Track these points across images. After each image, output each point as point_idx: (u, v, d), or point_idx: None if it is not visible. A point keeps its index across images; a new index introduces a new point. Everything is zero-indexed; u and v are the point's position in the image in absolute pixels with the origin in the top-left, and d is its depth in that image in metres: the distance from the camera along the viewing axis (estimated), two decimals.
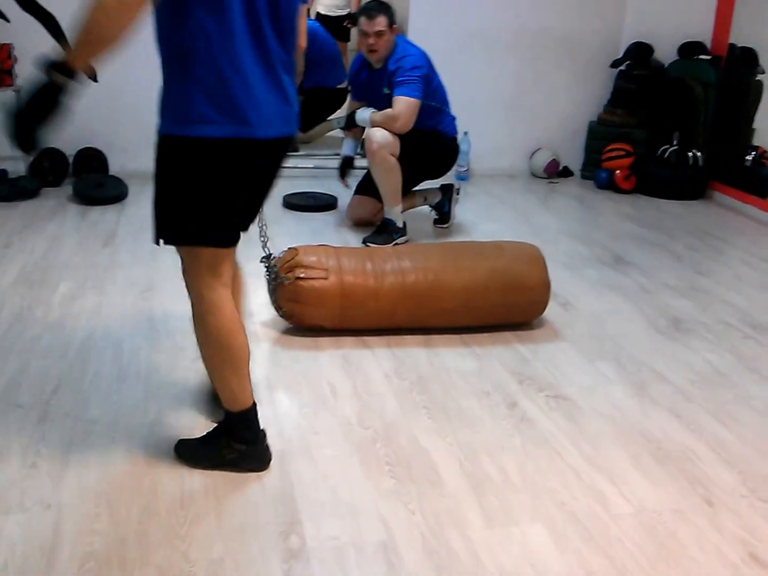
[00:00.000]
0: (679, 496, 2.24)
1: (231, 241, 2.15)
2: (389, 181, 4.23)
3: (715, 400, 2.79)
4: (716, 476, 2.35)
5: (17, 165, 5.03)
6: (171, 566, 1.86)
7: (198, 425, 2.44)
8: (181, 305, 3.31)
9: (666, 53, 5.96)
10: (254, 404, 2.24)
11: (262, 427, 2.26)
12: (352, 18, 9.26)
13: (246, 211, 2.25)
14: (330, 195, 5.14)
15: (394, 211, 4.28)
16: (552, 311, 3.43)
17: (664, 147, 5.75)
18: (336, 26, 9.27)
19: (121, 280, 3.61)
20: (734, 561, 1.99)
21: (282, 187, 5.19)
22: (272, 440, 2.37)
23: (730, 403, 2.78)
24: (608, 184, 5.84)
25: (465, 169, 5.93)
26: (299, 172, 5.75)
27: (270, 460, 2.27)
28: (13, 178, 4.94)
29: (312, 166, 5.88)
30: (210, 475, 2.21)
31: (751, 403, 2.78)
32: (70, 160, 5.22)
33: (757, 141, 5.82)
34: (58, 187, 5.03)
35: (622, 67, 6.00)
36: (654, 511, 2.15)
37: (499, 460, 2.34)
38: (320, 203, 5.00)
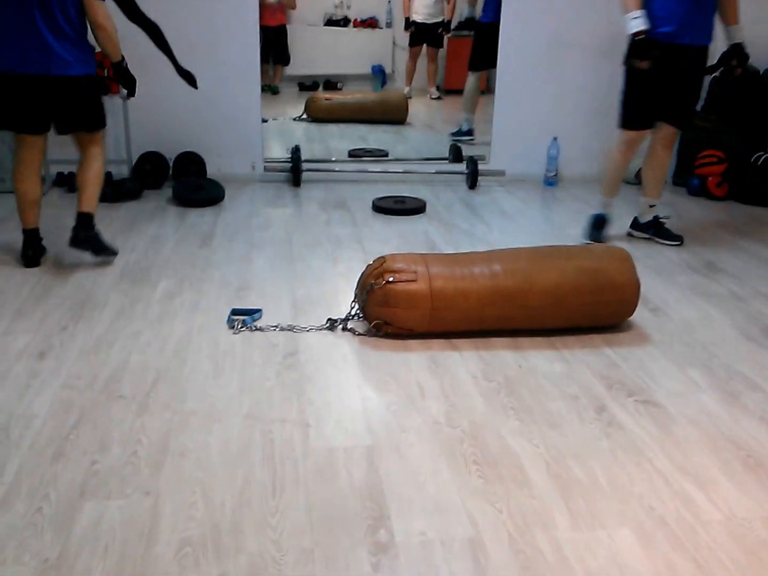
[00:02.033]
0: None
1: None
2: None
3: None
4: None
5: (121, 168, 5.25)
6: (263, 554, 1.92)
7: (288, 419, 2.52)
8: (274, 304, 3.43)
9: (761, 59, 5.82)
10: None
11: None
12: (446, 26, 9.40)
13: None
14: (418, 199, 5.20)
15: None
16: (641, 316, 3.40)
17: (758, 154, 5.61)
18: (430, 33, 9.41)
19: (217, 279, 3.73)
20: None
21: (371, 191, 5.33)
22: (361, 436, 2.44)
23: None
24: (700, 191, 5.73)
25: (554, 174, 5.91)
26: (388, 177, 5.83)
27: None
28: (117, 180, 5.16)
29: (401, 170, 5.95)
30: (301, 467, 2.27)
31: None
32: (170, 163, 5.41)
33: None
34: (158, 189, 5.23)
35: (716, 73, 5.88)
36: (744, 518, 2.13)
37: (586, 463, 2.35)
38: (409, 207, 5.05)
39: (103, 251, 3.87)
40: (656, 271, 4.04)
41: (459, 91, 10.41)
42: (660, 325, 3.39)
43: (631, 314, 3.30)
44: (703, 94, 5.93)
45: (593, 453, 2.40)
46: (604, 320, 3.26)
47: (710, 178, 5.68)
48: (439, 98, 10.17)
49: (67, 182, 5.22)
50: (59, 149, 5.23)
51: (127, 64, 3.86)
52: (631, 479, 2.28)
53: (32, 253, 3.85)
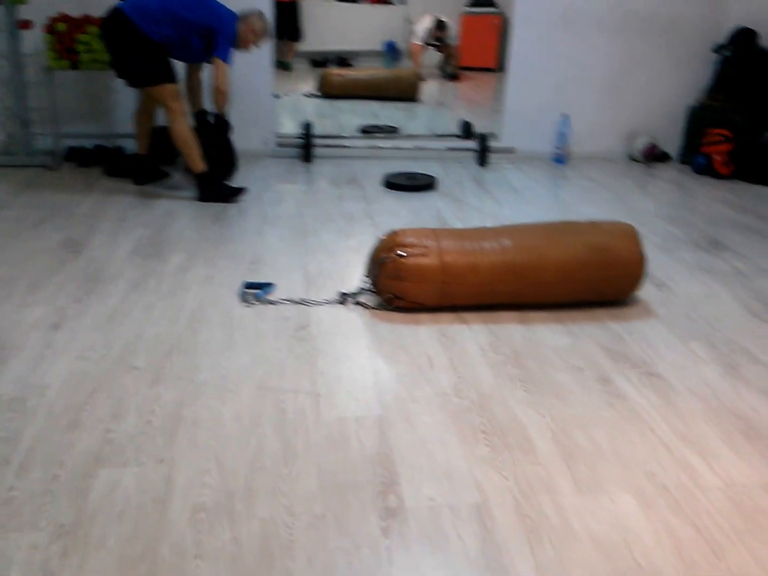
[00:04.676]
0: None
1: None
2: None
3: None
4: None
5: (133, 143, 5.28)
6: (275, 519, 1.98)
7: (299, 389, 2.58)
8: (286, 277, 3.48)
9: None
10: None
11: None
12: None
13: None
14: (429, 175, 5.23)
15: None
16: (646, 292, 3.45)
17: (765, 133, 5.62)
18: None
19: (230, 253, 3.79)
20: None
21: (383, 167, 5.37)
22: (372, 406, 2.50)
23: None
24: (706, 170, 5.76)
25: (563, 151, 5.93)
26: (399, 153, 5.87)
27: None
28: (129, 155, 5.20)
29: (412, 147, 5.98)
30: (313, 435, 2.34)
31: None
32: None
33: None
34: (170, 165, 5.26)
35: (725, 52, 5.89)
36: (743, 485, 2.19)
37: (590, 432, 2.41)
38: (420, 183, 5.09)
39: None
40: (661, 248, 4.08)
41: (473, 69, 10.44)
42: (664, 301, 3.43)
43: (637, 289, 3.34)
44: (712, 72, 5.95)
45: (597, 422, 2.46)
46: (611, 295, 3.31)
47: (716, 157, 5.70)
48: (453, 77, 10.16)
49: (78, 156, 5.27)
50: (70, 123, 5.31)
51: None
52: (634, 447, 2.34)
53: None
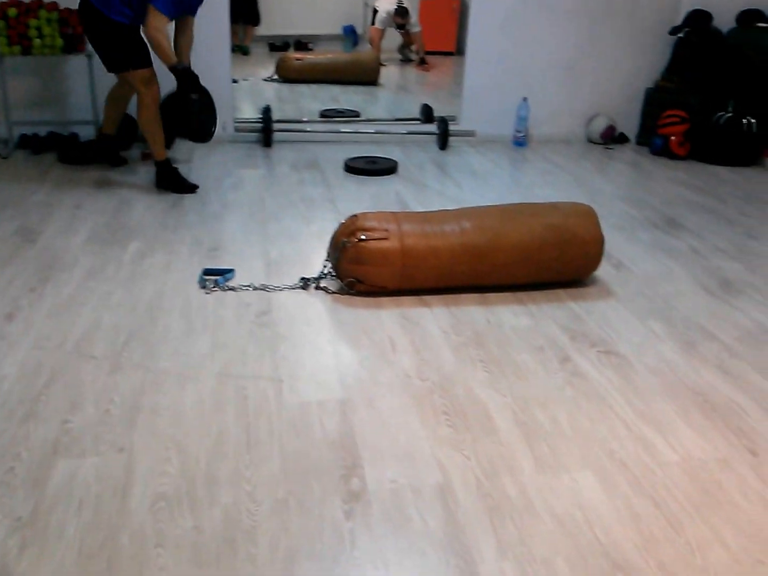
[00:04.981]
0: (725, 446, 2.31)
1: None
2: None
3: (762, 357, 2.84)
4: (761, 428, 2.41)
5: (89, 129, 5.21)
6: (237, 506, 1.97)
7: (261, 375, 2.57)
8: (247, 263, 3.46)
9: (725, 20, 5.89)
10: None
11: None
12: None
13: None
14: (390, 159, 5.22)
15: None
16: (605, 272, 3.49)
17: (719, 114, 5.69)
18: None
19: (188, 239, 3.76)
20: None
21: (343, 152, 5.35)
22: (334, 390, 2.49)
23: None
24: (663, 151, 5.82)
25: (523, 134, 5.95)
26: (360, 137, 5.85)
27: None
28: (84, 142, 5.12)
29: (373, 131, 5.96)
30: (275, 421, 2.33)
31: None
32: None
33: None
34: (127, 150, 5.17)
35: (680, 34, 5.94)
36: (700, 460, 2.23)
37: (551, 411, 2.43)
38: (381, 167, 5.08)
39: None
40: (619, 229, 4.13)
41: (432, 52, 10.40)
42: (622, 280, 3.47)
43: (595, 269, 3.38)
44: (668, 54, 6.01)
45: (557, 401, 2.49)
46: (570, 275, 3.34)
47: (673, 138, 5.76)
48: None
49: (31, 144, 5.18)
50: (23, 110, 5.20)
51: (184, 66, 4.31)
52: (593, 425, 2.37)
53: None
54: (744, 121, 5.62)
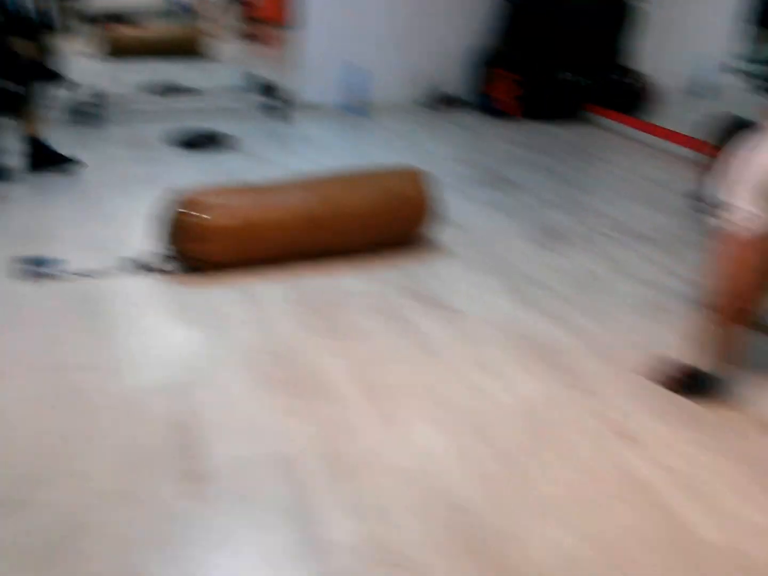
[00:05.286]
0: (555, 385, 2.43)
1: None
2: None
3: (588, 299, 3.02)
4: (586, 365, 2.56)
5: None
6: (68, 502, 1.88)
7: (96, 365, 2.48)
8: (74, 249, 3.27)
9: None
10: None
11: None
12: None
13: None
14: (225, 133, 5.09)
15: None
16: (442, 231, 3.57)
17: (546, 72, 5.90)
18: None
19: (11, 228, 3.51)
20: (603, 436, 2.19)
21: (176, 127, 5.19)
22: (175, 372, 2.44)
23: (601, 301, 3.01)
24: (495, 111, 5.99)
25: (360, 103, 5.97)
26: (193, 113, 5.70)
27: None
28: None
29: (206, 105, 5.84)
30: (115, 409, 2.24)
31: (619, 300, 3.03)
32: None
33: (629, 63, 6.19)
34: None
35: None
36: (532, 400, 2.34)
37: (391, 369, 2.48)
38: (215, 141, 4.98)
39: None
40: (455, 189, 4.22)
41: (269, 24, 10.18)
42: (458, 238, 3.57)
43: (431, 229, 3.45)
44: (496, 16, 6.15)
45: (397, 359, 2.54)
46: (406, 237, 3.39)
47: (503, 98, 5.93)
48: None
49: None
50: None
51: None
52: (432, 378, 2.43)
53: None
54: (570, 78, 5.86)
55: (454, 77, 6.31)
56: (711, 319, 2.28)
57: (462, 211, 3.90)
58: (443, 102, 6.22)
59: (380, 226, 3.28)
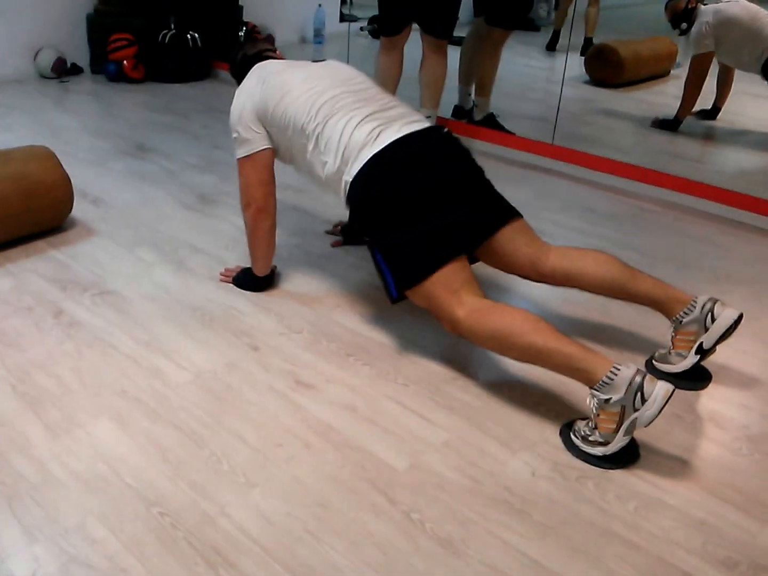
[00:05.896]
0: (229, 350, 2.40)
1: None
2: None
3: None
4: (258, 324, 2.56)
5: None
6: None
7: None
8: None
9: None
10: None
11: None
12: None
13: None
14: None
15: None
16: (82, 210, 3.35)
17: (163, 32, 5.74)
18: None
19: None
20: (283, 391, 2.21)
21: None
22: None
23: None
24: (119, 76, 5.75)
25: None
26: None
27: None
28: None
29: None
30: None
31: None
32: None
33: (246, 17, 6.29)
34: None
35: None
36: (209, 371, 2.28)
37: (53, 371, 2.27)
38: None
39: None
40: (91, 163, 3.98)
41: None
42: (103, 215, 3.37)
43: (70, 211, 3.20)
44: None
45: (58, 359, 2.33)
46: (45, 224, 3.12)
47: (125, 62, 5.71)
48: None
49: None
50: None
51: None
52: (100, 371, 2.27)
53: None
54: (188, 36, 5.75)
55: (68, 44, 5.89)
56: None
57: (103, 185, 3.68)
58: (62, 71, 5.81)
59: (15, 218, 2.97)
